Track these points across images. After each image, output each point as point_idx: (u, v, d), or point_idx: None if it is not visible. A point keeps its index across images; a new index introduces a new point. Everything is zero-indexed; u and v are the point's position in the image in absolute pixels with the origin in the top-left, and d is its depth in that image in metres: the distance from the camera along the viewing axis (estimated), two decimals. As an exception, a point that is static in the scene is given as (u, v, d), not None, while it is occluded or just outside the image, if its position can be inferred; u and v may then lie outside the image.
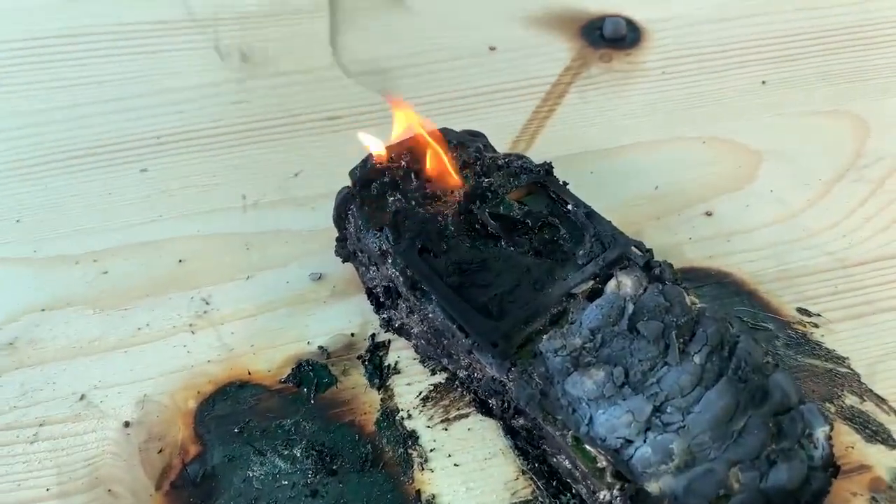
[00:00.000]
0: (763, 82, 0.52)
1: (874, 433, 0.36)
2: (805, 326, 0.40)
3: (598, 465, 0.31)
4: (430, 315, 0.35)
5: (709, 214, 0.44)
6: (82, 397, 0.37)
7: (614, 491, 0.30)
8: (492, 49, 0.54)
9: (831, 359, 0.39)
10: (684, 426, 0.30)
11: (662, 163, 0.47)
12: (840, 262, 0.42)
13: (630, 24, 0.56)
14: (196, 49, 0.54)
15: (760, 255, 0.43)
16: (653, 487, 0.30)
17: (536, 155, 0.45)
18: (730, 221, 0.44)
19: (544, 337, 0.33)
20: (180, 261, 0.42)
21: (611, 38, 0.54)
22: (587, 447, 0.31)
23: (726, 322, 0.33)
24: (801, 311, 0.40)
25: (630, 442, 0.30)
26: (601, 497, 0.31)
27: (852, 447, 0.36)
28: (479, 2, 0.58)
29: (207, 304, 0.40)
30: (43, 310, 0.40)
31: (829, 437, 0.31)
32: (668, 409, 0.31)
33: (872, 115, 0.50)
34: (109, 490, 0.34)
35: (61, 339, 0.39)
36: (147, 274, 0.42)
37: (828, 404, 0.37)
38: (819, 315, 0.40)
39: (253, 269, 0.42)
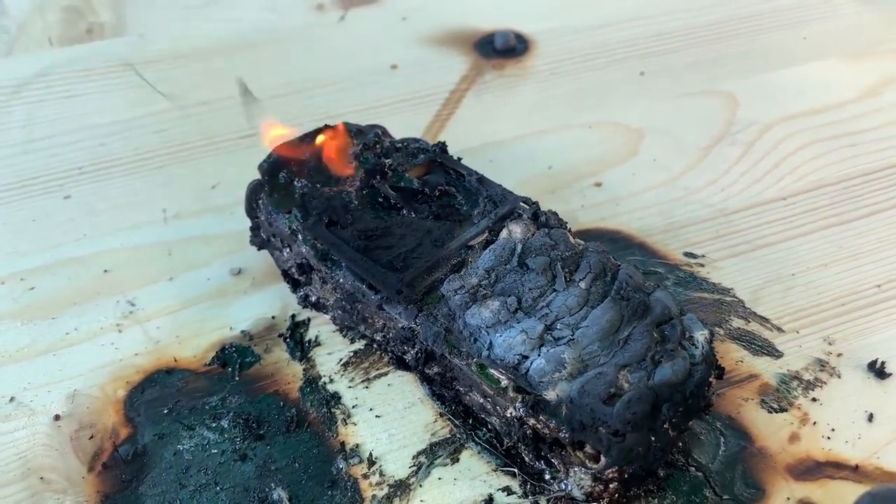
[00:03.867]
0: (641, 73, 0.57)
1: (760, 347, 0.39)
2: (692, 267, 0.43)
3: (502, 385, 0.33)
4: (341, 280, 0.38)
5: (598, 185, 0.48)
6: (12, 399, 0.38)
7: (517, 404, 0.32)
8: (393, 67, 0.58)
9: (717, 290, 0.42)
10: (574, 339, 0.33)
11: (553, 147, 0.51)
12: (720, 211, 0.47)
13: (519, 36, 0.61)
14: (118, 90, 0.57)
15: (647, 213, 0.47)
16: (550, 395, 0.32)
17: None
18: (618, 188, 0.48)
19: (446, 281, 0.36)
20: (105, 271, 0.44)
21: (502, 49, 0.59)
22: (491, 371, 0.33)
23: (608, 255, 0.37)
24: (688, 254, 0.44)
25: (526, 357, 0.33)
26: (508, 414, 0.33)
27: (741, 361, 0.39)
28: (380, 28, 0.63)
29: (133, 305, 0.42)
30: (-31, 328, 0.41)
31: (709, 340, 0.34)
32: (558, 327, 0.34)
33: (739, 90, 0.55)
34: (42, 478, 0.35)
35: (-11, 350, 0.40)
36: (73, 286, 0.43)
37: (717, 328, 0.40)
38: (703, 256, 0.44)
39: (175, 271, 0.44)
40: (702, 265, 0.43)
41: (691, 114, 0.54)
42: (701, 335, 0.34)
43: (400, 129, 0.52)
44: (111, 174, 0.50)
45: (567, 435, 0.31)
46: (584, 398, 0.32)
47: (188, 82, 0.57)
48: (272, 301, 0.42)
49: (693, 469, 0.35)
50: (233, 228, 0.46)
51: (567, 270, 0.35)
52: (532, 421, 0.32)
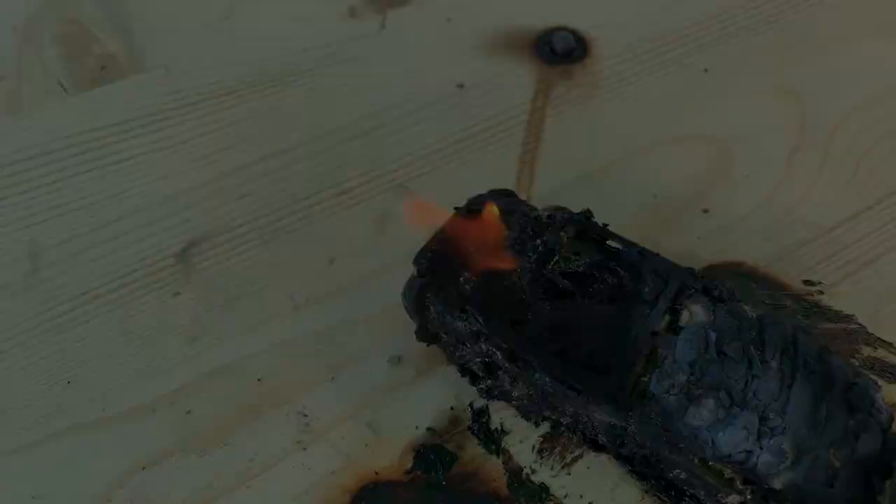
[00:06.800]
0: (705, 70, 0.58)
1: (892, 375, 0.44)
2: (813, 296, 0.47)
3: (726, 476, 0.36)
4: (538, 381, 0.39)
5: (706, 211, 0.50)
6: (228, 546, 0.38)
7: (747, 494, 0.36)
8: (460, 87, 0.56)
9: (841, 319, 0.46)
10: (786, 426, 0.36)
11: (650, 170, 0.52)
12: (820, 228, 0.50)
13: (574, 34, 0.59)
14: (170, 146, 0.52)
15: (759, 238, 0.49)
16: (776, 484, 0.36)
17: (544, 189, 0.49)
18: (725, 214, 0.50)
19: (652, 379, 0.38)
20: (259, 379, 0.43)
21: (563, 52, 0.58)
22: (712, 464, 0.36)
23: (782, 323, 0.39)
24: (807, 282, 0.47)
25: (750, 452, 0.36)
26: (730, 501, 0.37)
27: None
28: (427, 35, 0.59)
29: (306, 416, 0.42)
30: (144, 468, 0.40)
31: (883, 397, 0.38)
32: (771, 416, 0.37)
33: (798, 80, 0.57)
34: None
35: (178, 491, 0.39)
36: (232, 402, 0.42)
37: (852, 360, 0.45)
38: (821, 282, 0.47)
39: (333, 368, 0.43)
40: (821, 292, 0.47)
41: (763, 115, 0.55)
42: (879, 397, 0.38)
43: (492, 168, 0.52)
44: (212, 258, 0.47)
45: (796, 517, 0.35)
46: (809, 484, 0.35)
47: (251, 128, 0.53)
48: (442, 389, 0.43)
49: (871, 507, 0.40)
50: (373, 310, 0.45)
51: (758, 351, 0.38)
52: (761, 506, 0.36)
